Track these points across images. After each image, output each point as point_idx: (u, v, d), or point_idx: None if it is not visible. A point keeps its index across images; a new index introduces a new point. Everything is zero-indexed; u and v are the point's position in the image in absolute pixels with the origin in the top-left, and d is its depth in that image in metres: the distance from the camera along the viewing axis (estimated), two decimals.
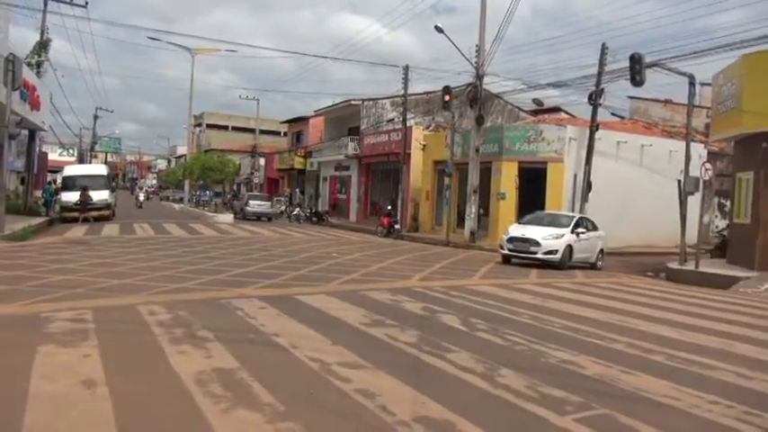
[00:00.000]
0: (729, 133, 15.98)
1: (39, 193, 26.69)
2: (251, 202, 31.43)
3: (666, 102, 30.48)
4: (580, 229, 14.55)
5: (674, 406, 4.14)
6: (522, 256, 14.08)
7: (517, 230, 14.54)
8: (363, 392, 4.05)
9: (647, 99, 30.49)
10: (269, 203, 32.44)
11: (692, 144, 16.29)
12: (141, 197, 41.39)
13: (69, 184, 23.78)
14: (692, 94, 15.00)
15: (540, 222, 15.08)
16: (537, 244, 13.84)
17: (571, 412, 3.86)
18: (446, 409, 3.78)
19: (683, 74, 14.85)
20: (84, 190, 21.92)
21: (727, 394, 4.43)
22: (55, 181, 30.33)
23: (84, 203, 21.53)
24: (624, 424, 3.71)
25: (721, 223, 23.14)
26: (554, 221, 15.12)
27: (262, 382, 4.16)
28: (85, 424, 3.38)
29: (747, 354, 5.91)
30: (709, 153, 21.12)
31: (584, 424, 3.65)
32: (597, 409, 3.94)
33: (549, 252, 13.71)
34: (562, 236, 14.02)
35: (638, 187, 20.22)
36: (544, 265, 13.69)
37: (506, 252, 14.29)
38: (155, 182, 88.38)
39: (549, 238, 13.89)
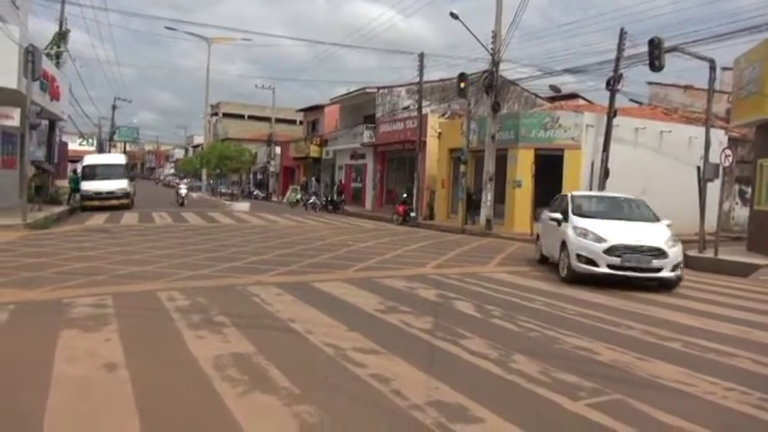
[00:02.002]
0: (751, 119, 15.68)
1: (61, 183, 27.12)
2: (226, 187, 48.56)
3: (687, 87, 29.94)
4: (666, 221, 10.02)
5: (688, 392, 4.13)
6: (635, 276, 8.84)
7: (615, 232, 9.10)
8: (378, 377, 4.10)
9: (666, 84, 29.98)
10: (236, 188, 48.50)
11: (712, 130, 15.99)
12: (183, 191, 30.41)
13: (89, 173, 24.15)
14: (712, 79, 14.72)
15: (606, 214, 10.16)
16: (662, 255, 8.86)
17: (584, 397, 3.87)
18: (459, 394, 3.81)
19: (704, 58, 14.56)
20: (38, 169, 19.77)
21: (743, 381, 4.41)
22: (75, 170, 30.78)
23: (40, 188, 19.12)
24: (637, 409, 3.72)
25: (742, 212, 22.76)
26: (628, 211, 10.64)
27: (278, 366, 4.23)
28: (107, 406, 3.47)
29: (765, 341, 5.85)
30: (730, 139, 20.73)
31: (597, 409, 3.67)
32: (610, 395, 3.95)
33: (676, 266, 9.00)
34: (677, 239, 9.38)
35: (656, 174, 19.93)
36: (648, 285, 8.91)
37: (605, 271, 8.78)
38: (172, 171, 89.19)
39: (671, 245, 9.07)
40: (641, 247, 8.92)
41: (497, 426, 3.39)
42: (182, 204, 28.43)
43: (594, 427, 3.45)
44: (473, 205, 21.69)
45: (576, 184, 19.73)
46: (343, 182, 35.82)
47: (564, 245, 9.52)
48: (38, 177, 18.95)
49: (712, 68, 14.58)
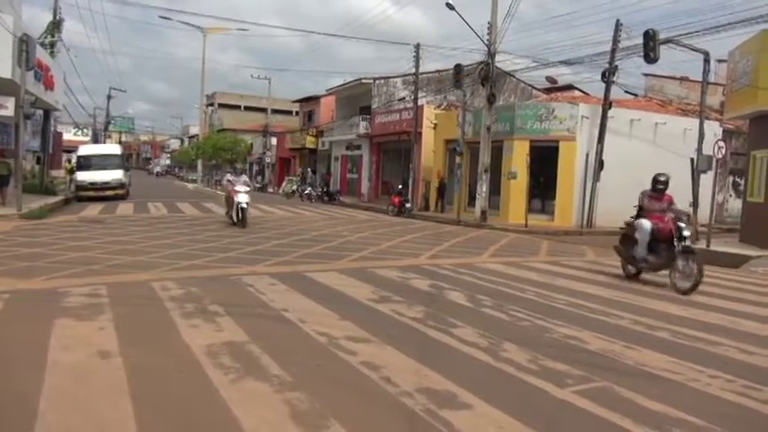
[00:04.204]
0: (744, 111, 15.74)
1: (54, 173, 27.07)
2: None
3: (682, 79, 29.97)
4: None
5: (673, 379, 4.20)
6: None
7: None
8: (369, 365, 4.16)
9: (662, 76, 30.00)
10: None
11: (706, 122, 16.10)
12: (244, 199, 14.18)
13: (84, 163, 24.11)
14: (706, 71, 14.81)
15: None
16: None
17: (571, 385, 3.95)
18: (448, 381, 3.88)
19: (698, 50, 14.63)
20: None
21: (728, 369, 4.49)
22: (70, 161, 30.70)
23: (5, 177, 16.80)
24: (623, 396, 3.79)
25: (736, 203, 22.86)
26: None
27: (270, 354, 4.28)
28: (101, 392, 3.52)
29: (752, 331, 5.93)
30: (724, 131, 20.82)
31: (584, 396, 3.74)
32: (597, 382, 4.03)
33: None
34: None
35: (651, 166, 19.73)
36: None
37: None
38: (168, 161, 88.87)
39: None
40: None
41: (485, 412, 3.45)
42: (238, 223, 14.16)
43: (580, 413, 3.52)
44: (444, 194, 23.00)
45: (570, 176, 19.83)
46: (330, 173, 35.83)
47: None
48: (3, 165, 16.91)
49: (707, 60, 14.67)
